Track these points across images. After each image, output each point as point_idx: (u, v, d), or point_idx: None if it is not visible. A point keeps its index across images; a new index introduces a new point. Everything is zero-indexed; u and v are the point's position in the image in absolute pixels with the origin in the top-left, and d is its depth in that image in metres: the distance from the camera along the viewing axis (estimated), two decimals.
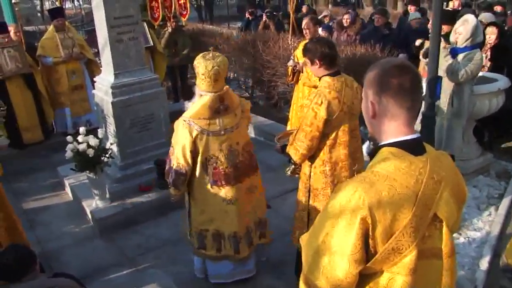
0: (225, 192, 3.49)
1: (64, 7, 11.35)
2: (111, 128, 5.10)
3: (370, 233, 1.52)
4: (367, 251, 1.55)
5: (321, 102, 3.13)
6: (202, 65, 3.29)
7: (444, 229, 1.63)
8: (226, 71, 3.46)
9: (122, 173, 5.11)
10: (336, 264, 1.56)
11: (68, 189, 5.57)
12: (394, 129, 1.62)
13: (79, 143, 4.69)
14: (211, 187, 3.48)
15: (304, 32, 5.59)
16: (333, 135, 3.26)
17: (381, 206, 1.49)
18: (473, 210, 4.72)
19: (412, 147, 1.60)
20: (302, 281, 1.71)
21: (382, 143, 1.65)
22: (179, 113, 5.53)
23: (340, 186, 1.63)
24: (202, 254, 3.74)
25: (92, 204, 4.92)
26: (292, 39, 6.43)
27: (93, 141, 4.67)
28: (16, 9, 7.58)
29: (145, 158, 5.19)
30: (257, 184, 3.71)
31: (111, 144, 4.96)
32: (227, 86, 3.47)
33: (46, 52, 6.95)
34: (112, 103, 4.94)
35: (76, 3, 28.54)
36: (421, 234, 1.56)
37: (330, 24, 8.77)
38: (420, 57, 5.79)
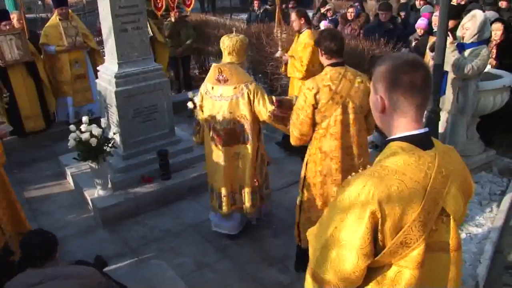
0: (218, 150, 4.04)
1: None
2: (114, 117, 5.09)
3: (379, 227, 1.52)
4: (375, 245, 1.56)
5: (312, 88, 3.32)
6: (223, 40, 4.06)
7: (452, 223, 1.62)
8: (240, 49, 4.04)
9: (125, 163, 5.10)
10: (345, 257, 1.56)
11: (70, 179, 5.57)
12: (403, 124, 1.61)
13: (82, 132, 4.68)
14: (212, 142, 4.07)
15: (291, 24, 5.76)
16: (325, 124, 3.37)
17: (390, 201, 1.50)
18: (475, 206, 4.72)
19: (421, 142, 1.60)
20: (309, 275, 1.71)
21: (391, 137, 1.65)
22: (182, 103, 5.56)
23: (349, 180, 1.62)
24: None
25: (94, 194, 4.91)
26: (279, 31, 6.46)
27: (96, 130, 4.65)
28: None
29: (148, 149, 5.18)
30: (245, 154, 4.06)
31: (114, 134, 4.95)
32: (235, 65, 3.97)
33: (49, 41, 6.90)
34: (115, 92, 4.92)
35: None
36: (429, 228, 1.56)
37: (335, 17, 8.73)
38: (427, 50, 5.76)
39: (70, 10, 7.35)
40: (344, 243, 1.56)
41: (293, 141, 3.56)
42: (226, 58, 4.05)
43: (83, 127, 4.67)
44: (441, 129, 4.96)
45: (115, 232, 4.63)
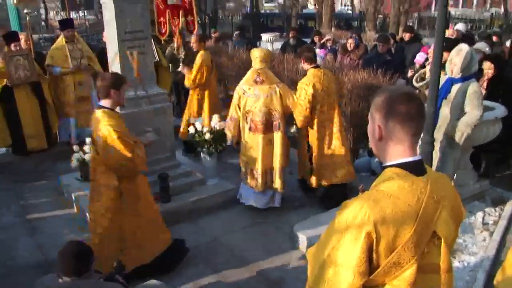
0: (255, 137, 5.12)
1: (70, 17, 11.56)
2: None
3: (374, 247, 1.64)
4: (370, 264, 1.66)
5: (309, 83, 5.04)
6: (255, 51, 5.25)
7: (442, 246, 1.73)
8: (268, 58, 5.27)
9: None
10: (341, 276, 1.67)
11: (70, 198, 5.63)
12: (398, 151, 1.75)
13: (85, 153, 4.79)
14: (249, 132, 5.16)
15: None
16: (318, 107, 5.11)
17: (385, 222, 1.62)
18: (468, 235, 4.81)
19: (415, 168, 1.73)
20: None
21: (387, 164, 1.79)
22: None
23: (347, 203, 1.75)
24: (242, 180, 5.38)
25: None
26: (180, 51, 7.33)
27: None
28: (28, 18, 7.69)
29: (149, 171, 5.26)
30: (276, 140, 5.17)
31: None
32: (266, 69, 5.17)
33: (55, 62, 7.06)
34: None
35: (80, 14, 28.86)
36: (421, 249, 1.68)
37: (335, 47, 8.96)
38: (414, 82, 5.92)
39: (76, 33, 7.54)
40: (341, 262, 1.67)
41: (299, 124, 5.19)
42: (257, 65, 5.16)
43: (86, 148, 4.79)
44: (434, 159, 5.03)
45: None
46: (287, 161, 5.38)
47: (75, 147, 4.85)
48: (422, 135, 4.60)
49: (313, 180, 5.35)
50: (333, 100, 5.21)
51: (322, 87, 5.03)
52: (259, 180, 5.17)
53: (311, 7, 37.37)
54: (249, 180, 5.27)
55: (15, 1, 7.40)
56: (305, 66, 5.19)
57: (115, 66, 5.19)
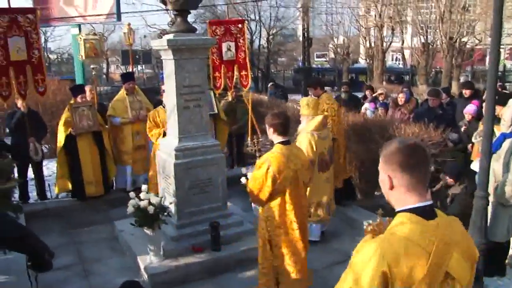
0: (323, 175, 5.66)
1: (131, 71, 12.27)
2: (171, 188, 5.38)
3: (390, 287, 1.76)
4: None
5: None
6: (308, 100, 5.74)
7: (456, 285, 1.85)
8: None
9: (178, 232, 5.31)
10: None
11: (124, 243, 5.81)
12: (409, 198, 1.90)
13: (140, 199, 4.97)
14: (318, 172, 5.52)
15: None
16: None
17: (399, 263, 1.75)
18: None
19: (425, 213, 1.87)
20: None
21: (399, 209, 1.93)
22: (235, 178, 5.83)
23: (363, 245, 1.92)
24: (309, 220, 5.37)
25: (147, 260, 5.11)
26: None
27: (154, 199, 4.94)
28: (94, 73, 8.25)
29: (200, 220, 5.39)
30: (329, 175, 5.83)
31: (170, 203, 5.21)
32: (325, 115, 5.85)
33: (115, 113, 7.49)
34: (174, 164, 5.24)
35: (139, 67, 30.41)
36: None
37: (386, 101, 9.01)
38: (473, 138, 5.84)
39: (136, 86, 7.99)
40: None
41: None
42: (312, 112, 5.63)
43: (142, 195, 4.97)
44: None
45: None
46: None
47: (131, 194, 5.04)
48: (477, 190, 4.53)
49: None
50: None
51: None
52: (324, 211, 5.67)
53: (362, 61, 37.76)
54: (314, 217, 5.61)
55: (83, 57, 7.96)
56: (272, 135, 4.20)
57: (173, 117, 5.45)
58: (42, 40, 15.05)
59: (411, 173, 1.87)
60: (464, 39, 23.63)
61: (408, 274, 1.74)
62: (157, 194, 5.09)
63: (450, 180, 5.78)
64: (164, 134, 6.59)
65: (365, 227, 2.36)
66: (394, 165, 1.90)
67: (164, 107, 6.36)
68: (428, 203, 1.90)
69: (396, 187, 1.92)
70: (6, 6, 6.52)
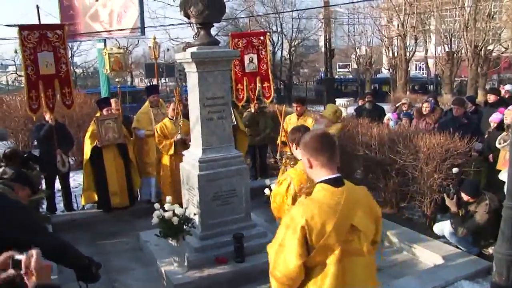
0: None
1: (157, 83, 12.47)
2: (195, 199, 5.42)
3: (308, 236, 2.38)
4: (308, 249, 2.40)
5: None
6: (337, 108, 6.23)
7: (361, 235, 2.51)
8: None
9: (202, 243, 5.34)
10: (288, 259, 2.41)
11: (148, 254, 5.86)
12: (323, 172, 2.54)
13: (165, 210, 5.02)
14: None
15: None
16: None
17: (313, 219, 2.38)
18: None
19: (335, 182, 2.52)
20: (270, 275, 2.55)
21: (317, 181, 2.57)
22: (258, 189, 5.83)
23: (292, 207, 2.79)
24: None
25: (171, 270, 5.14)
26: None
27: (178, 210, 4.98)
28: (118, 86, 8.41)
29: (224, 231, 5.40)
30: None
31: (194, 214, 5.25)
32: None
33: (140, 125, 7.61)
34: (198, 176, 5.28)
35: (162, 80, 30.83)
36: (343, 237, 2.42)
37: (410, 111, 8.93)
38: (497, 144, 5.72)
39: (160, 99, 8.11)
40: (287, 249, 2.42)
41: None
42: (335, 119, 6.17)
43: (166, 206, 5.03)
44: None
45: None
46: None
47: (155, 205, 5.10)
48: (506, 200, 4.42)
49: None
50: None
51: None
52: None
53: (384, 71, 37.53)
54: None
55: (108, 70, 8.12)
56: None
57: (196, 129, 5.50)
58: (69, 54, 15.40)
59: (323, 154, 2.51)
60: (490, 47, 23.29)
61: (321, 226, 2.37)
62: (180, 204, 5.13)
63: (467, 198, 5.63)
64: (175, 145, 6.77)
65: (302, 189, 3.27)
66: (311, 150, 2.54)
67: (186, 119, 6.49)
68: (337, 175, 2.53)
69: (314, 166, 2.55)
70: (37, 23, 6.73)
